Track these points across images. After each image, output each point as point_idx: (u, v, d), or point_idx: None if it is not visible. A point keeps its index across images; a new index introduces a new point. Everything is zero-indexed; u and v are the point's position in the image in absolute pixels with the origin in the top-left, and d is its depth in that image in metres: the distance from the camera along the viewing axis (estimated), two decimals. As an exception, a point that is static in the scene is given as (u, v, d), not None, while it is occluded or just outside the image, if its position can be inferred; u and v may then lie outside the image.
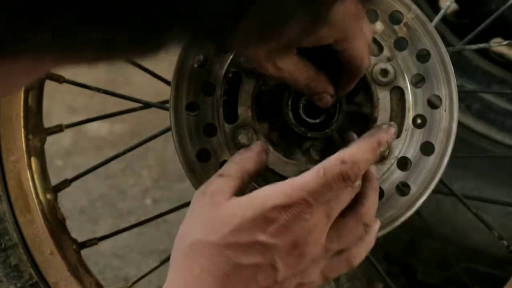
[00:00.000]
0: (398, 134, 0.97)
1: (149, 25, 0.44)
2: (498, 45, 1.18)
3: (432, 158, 0.97)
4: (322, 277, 0.87)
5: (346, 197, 0.86)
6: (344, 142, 0.95)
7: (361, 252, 0.89)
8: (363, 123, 0.98)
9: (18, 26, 0.42)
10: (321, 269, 0.87)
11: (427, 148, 0.97)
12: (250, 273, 0.82)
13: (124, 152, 1.15)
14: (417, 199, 0.97)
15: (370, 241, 0.90)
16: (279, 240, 0.82)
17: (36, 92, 1.08)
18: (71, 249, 1.09)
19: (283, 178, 0.97)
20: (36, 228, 1.05)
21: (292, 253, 0.83)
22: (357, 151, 0.86)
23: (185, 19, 0.45)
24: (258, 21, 0.46)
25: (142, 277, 1.10)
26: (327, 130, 0.97)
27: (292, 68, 0.89)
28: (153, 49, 0.47)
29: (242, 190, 0.87)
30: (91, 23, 0.43)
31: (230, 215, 0.83)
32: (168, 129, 1.02)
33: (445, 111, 0.98)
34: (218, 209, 0.84)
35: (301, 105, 0.97)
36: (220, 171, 0.89)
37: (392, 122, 0.95)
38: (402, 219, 0.97)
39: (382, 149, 0.88)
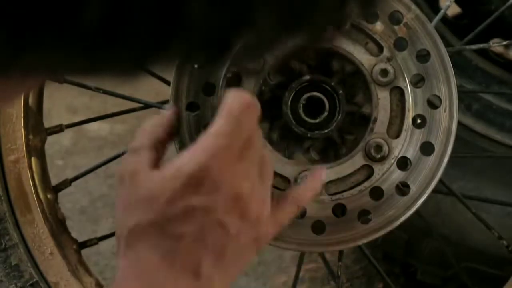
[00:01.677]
0: (398, 134, 0.97)
1: (138, 49, 0.44)
2: (498, 45, 1.18)
3: (432, 158, 0.97)
4: (274, 223, 0.85)
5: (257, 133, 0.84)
6: (343, 142, 0.95)
7: (305, 192, 0.89)
8: (363, 123, 0.98)
9: (4, 50, 0.42)
10: (268, 214, 0.84)
11: (427, 148, 0.97)
12: (198, 240, 0.79)
13: (124, 152, 1.15)
14: (417, 199, 0.97)
15: (312, 183, 0.91)
16: (215, 196, 0.79)
17: (36, 92, 1.08)
18: (71, 249, 1.10)
19: (283, 178, 0.97)
20: (36, 228, 1.05)
21: (232, 203, 0.80)
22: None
23: (178, 41, 0.44)
24: (255, 40, 0.46)
25: (142, 277, 1.10)
26: (327, 130, 0.98)
27: None
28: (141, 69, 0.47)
29: (158, 159, 0.85)
30: (76, 46, 0.43)
31: (158, 189, 0.80)
32: (168, 129, 1.02)
33: (444, 111, 0.98)
34: (143, 187, 0.81)
35: (301, 105, 0.97)
36: (132, 144, 0.86)
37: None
38: (402, 219, 0.97)
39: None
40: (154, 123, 0.89)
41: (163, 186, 0.80)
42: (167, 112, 0.91)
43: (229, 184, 0.80)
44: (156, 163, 0.84)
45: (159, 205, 0.79)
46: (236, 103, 0.81)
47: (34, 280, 1.04)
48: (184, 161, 0.80)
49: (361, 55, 0.98)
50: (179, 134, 0.94)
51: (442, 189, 1.09)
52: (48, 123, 1.12)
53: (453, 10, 1.70)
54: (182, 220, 0.79)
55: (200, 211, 0.79)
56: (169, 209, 0.79)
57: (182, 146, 0.97)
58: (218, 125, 0.81)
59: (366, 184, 0.97)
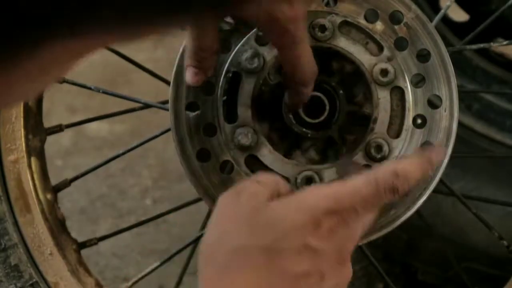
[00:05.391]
0: (399, 134, 0.97)
1: None
2: (498, 45, 1.18)
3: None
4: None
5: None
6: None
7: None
8: (364, 123, 0.98)
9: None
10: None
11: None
12: (297, 282, 0.77)
13: (124, 152, 1.15)
14: (417, 199, 0.97)
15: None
16: (327, 245, 0.78)
17: (36, 92, 1.08)
18: (71, 249, 1.09)
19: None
20: (36, 228, 1.05)
21: (336, 261, 0.79)
22: (410, 167, 0.82)
23: None
24: None
25: (142, 277, 1.10)
26: (327, 130, 0.98)
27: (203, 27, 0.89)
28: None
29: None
30: None
31: (278, 218, 0.77)
32: (168, 129, 1.02)
33: (445, 111, 0.98)
34: (262, 212, 0.78)
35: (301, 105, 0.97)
36: (256, 178, 0.83)
37: (444, 147, 0.92)
38: (403, 219, 0.97)
39: (430, 172, 0.86)
40: (280, 179, 0.85)
41: (283, 216, 0.78)
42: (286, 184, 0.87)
43: (339, 240, 0.79)
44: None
45: (275, 233, 0.77)
46: (389, 181, 0.80)
47: (34, 280, 1.04)
48: (312, 199, 0.79)
49: (361, 55, 0.97)
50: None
51: (443, 189, 1.09)
52: (47, 123, 1.11)
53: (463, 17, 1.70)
54: (294, 256, 0.77)
55: (311, 253, 0.77)
56: (285, 241, 0.77)
57: (182, 147, 0.97)
58: (358, 181, 0.80)
59: (367, 184, 0.96)
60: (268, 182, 0.82)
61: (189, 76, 0.94)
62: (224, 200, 0.81)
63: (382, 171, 0.81)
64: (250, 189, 0.80)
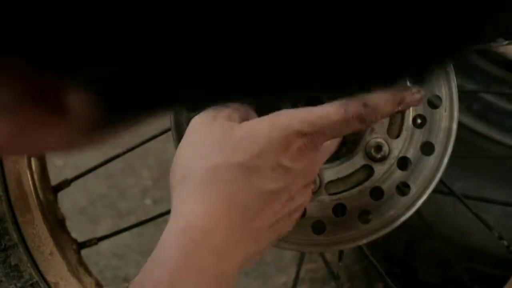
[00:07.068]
0: (399, 134, 0.97)
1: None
2: (498, 45, 1.18)
3: (432, 158, 0.97)
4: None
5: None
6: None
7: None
8: (363, 123, 0.98)
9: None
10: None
11: (427, 148, 0.97)
12: (270, 200, 0.79)
13: (124, 152, 1.14)
14: (417, 199, 0.97)
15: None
16: (296, 166, 0.81)
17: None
18: (71, 249, 1.09)
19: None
20: (36, 228, 1.05)
21: (303, 182, 0.82)
22: (379, 100, 0.85)
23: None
24: None
25: (142, 277, 1.10)
26: (327, 130, 0.98)
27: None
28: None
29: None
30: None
31: (254, 135, 0.79)
32: (168, 129, 1.02)
33: (445, 111, 0.98)
34: (237, 130, 0.80)
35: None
36: (227, 105, 0.85)
37: (421, 89, 0.92)
38: (402, 219, 0.97)
39: (400, 108, 0.88)
40: (247, 107, 0.87)
41: (258, 133, 0.80)
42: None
43: (306, 161, 0.81)
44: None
45: (251, 150, 0.79)
46: (358, 110, 0.83)
47: (34, 280, 1.04)
48: (286, 119, 0.81)
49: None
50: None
51: (443, 189, 1.09)
52: (47, 123, 1.11)
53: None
54: (268, 174, 0.79)
55: (283, 172, 0.80)
56: (260, 159, 0.79)
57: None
58: (329, 107, 0.83)
59: (367, 184, 0.96)
60: (240, 108, 0.84)
61: None
62: (198, 121, 0.84)
63: (351, 100, 0.84)
64: (224, 111, 0.83)
